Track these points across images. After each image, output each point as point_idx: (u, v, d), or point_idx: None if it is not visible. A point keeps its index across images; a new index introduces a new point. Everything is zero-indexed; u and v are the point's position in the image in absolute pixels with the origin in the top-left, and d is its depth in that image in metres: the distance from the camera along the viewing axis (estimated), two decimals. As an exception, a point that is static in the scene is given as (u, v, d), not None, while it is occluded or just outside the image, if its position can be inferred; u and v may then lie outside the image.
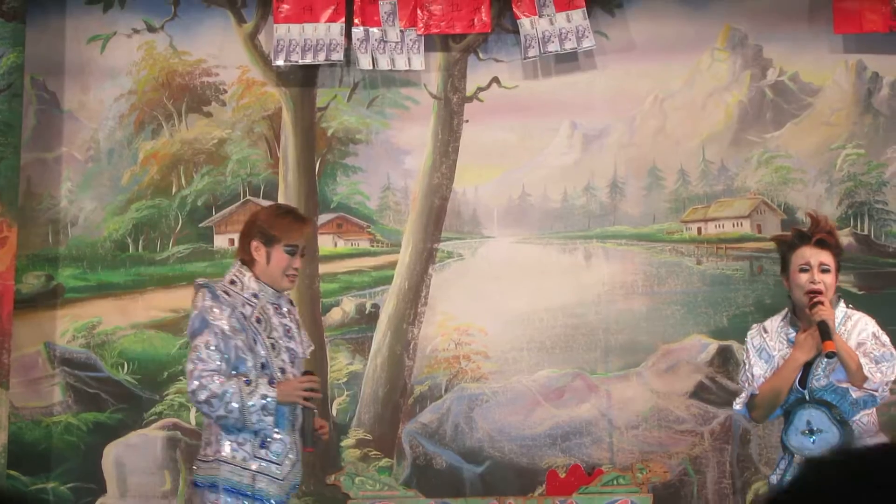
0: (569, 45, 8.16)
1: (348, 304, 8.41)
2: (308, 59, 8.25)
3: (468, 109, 8.40)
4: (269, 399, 5.49)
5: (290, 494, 5.80)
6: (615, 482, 8.04)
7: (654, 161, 8.38)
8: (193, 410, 8.27)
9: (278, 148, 8.45)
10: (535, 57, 8.20)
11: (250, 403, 5.45)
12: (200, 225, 8.50)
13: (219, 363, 5.47)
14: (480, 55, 8.42)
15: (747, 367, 5.95)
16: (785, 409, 5.91)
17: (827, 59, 8.31)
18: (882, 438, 5.91)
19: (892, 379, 5.75)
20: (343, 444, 8.27)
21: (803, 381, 5.82)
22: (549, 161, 8.41)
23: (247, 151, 8.49)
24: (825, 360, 5.75)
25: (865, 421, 5.86)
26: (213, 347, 5.48)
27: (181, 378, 8.31)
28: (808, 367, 5.82)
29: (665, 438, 8.15)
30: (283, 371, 5.64)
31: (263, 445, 5.57)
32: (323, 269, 8.38)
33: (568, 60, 8.32)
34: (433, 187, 8.37)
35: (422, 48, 8.26)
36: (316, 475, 8.22)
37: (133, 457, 8.29)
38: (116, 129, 8.51)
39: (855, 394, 5.68)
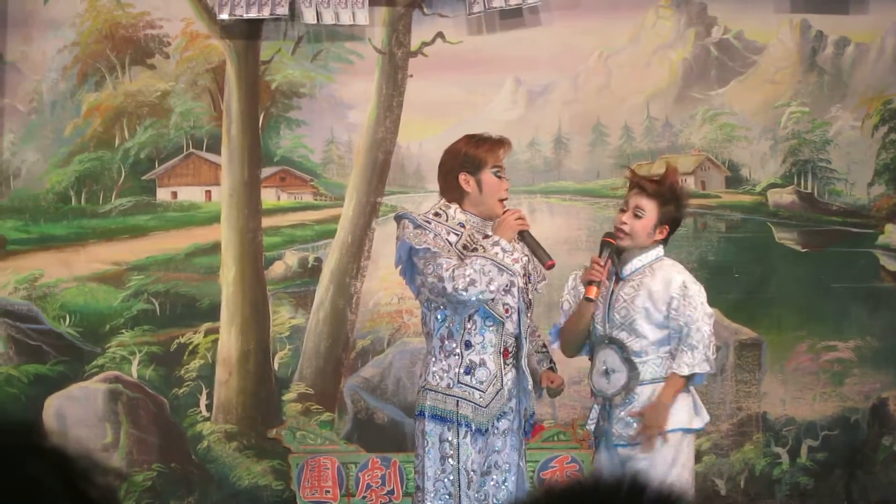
0: (514, 1, 8.12)
1: (291, 258, 8.40)
2: (253, 13, 8.18)
3: (413, 64, 8.37)
4: (499, 241, 5.50)
5: (522, 423, 5.73)
6: (556, 438, 8.07)
7: (599, 117, 8.37)
8: (135, 363, 8.26)
9: (222, 101, 8.40)
10: (480, 12, 8.16)
11: (493, 252, 5.46)
12: (143, 178, 8.45)
13: (454, 260, 5.47)
14: (425, 10, 8.38)
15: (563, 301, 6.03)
16: (591, 349, 5.91)
17: (771, 17, 8.30)
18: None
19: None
20: (284, 398, 8.26)
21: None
22: (493, 116, 8.37)
23: (190, 104, 8.44)
24: (622, 295, 5.79)
25: (659, 364, 5.76)
26: (442, 254, 5.47)
27: (123, 331, 8.29)
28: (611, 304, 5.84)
29: (606, 393, 8.15)
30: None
31: (468, 372, 5.57)
32: (266, 222, 8.35)
33: (513, 16, 8.29)
34: (377, 141, 8.35)
35: (366, 2, 8.20)
36: (257, 429, 8.23)
37: (74, 409, 8.27)
38: (59, 80, 8.44)
39: None
